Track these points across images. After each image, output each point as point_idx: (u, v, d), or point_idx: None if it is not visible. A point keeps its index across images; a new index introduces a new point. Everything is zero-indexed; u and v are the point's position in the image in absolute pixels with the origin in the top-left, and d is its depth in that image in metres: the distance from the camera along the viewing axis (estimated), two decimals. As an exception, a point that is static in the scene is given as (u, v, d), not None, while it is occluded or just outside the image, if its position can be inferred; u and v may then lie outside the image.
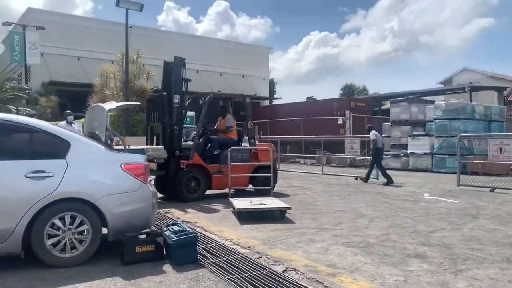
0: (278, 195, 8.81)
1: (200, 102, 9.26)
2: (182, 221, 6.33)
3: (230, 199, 7.62)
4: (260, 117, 28.02)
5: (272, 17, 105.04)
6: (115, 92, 15.41)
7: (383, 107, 31.09)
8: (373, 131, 12.62)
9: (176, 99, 8.48)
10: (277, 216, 6.67)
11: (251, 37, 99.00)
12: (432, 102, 20.60)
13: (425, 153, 17.16)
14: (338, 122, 23.13)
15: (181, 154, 8.58)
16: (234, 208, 6.91)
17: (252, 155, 9.35)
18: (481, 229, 5.93)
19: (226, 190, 8.66)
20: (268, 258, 4.44)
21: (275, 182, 9.52)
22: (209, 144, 9.19)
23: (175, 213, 7.19)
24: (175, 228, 4.58)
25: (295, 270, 4.04)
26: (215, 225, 6.20)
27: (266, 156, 9.36)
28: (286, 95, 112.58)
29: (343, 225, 6.13)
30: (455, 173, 11.54)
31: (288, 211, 6.79)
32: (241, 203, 6.98)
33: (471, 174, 13.76)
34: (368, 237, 5.36)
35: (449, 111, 16.80)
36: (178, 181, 8.37)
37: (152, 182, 8.77)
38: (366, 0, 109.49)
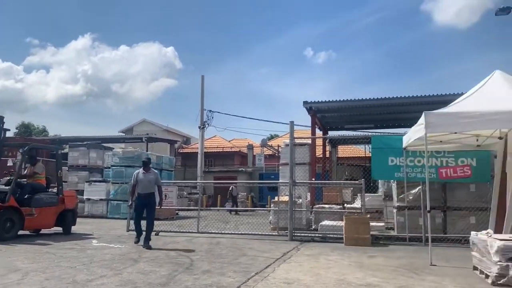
0: None
1: (20, 151, 10.33)
2: None
3: None
4: None
5: None
6: None
7: (63, 151, 29.75)
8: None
9: None
10: None
11: None
12: (112, 149, 21.23)
13: (101, 199, 17.25)
14: (8, 164, 20.61)
15: None
16: None
17: (59, 200, 10.74)
18: (139, 272, 6.23)
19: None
20: None
21: (74, 223, 11.37)
22: (20, 189, 9.95)
23: None
24: None
25: None
26: None
27: (70, 201, 11.18)
28: None
29: (-13, 285, 5.20)
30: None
31: None
32: None
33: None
34: (15, 296, 4.71)
35: (126, 158, 17.69)
36: None
37: None
38: (58, 37, 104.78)
